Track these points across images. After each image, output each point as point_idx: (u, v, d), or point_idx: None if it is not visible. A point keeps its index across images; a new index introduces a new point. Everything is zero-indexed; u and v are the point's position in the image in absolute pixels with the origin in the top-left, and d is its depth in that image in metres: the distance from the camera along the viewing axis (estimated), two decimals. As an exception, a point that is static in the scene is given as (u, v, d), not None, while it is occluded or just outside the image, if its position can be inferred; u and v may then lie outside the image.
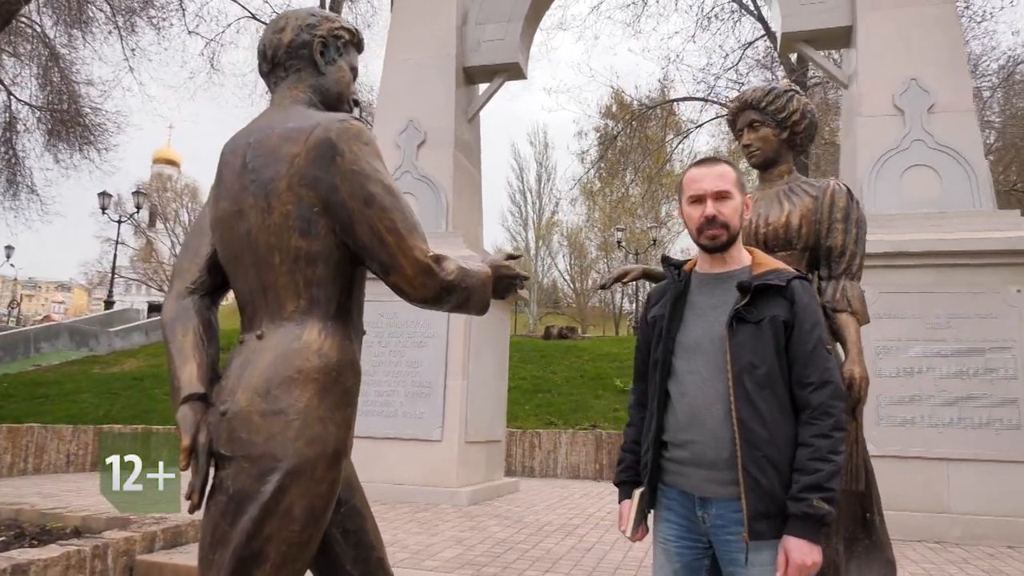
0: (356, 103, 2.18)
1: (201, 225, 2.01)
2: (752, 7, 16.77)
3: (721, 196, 2.00)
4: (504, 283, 2.00)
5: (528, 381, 14.51)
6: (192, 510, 1.75)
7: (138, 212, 31.12)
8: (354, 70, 2.13)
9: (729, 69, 17.76)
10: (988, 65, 18.41)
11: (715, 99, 18.35)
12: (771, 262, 2.05)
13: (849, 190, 3.13)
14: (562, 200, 40.07)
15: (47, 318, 38.59)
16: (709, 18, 17.50)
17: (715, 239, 2.00)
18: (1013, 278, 6.41)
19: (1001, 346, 6.31)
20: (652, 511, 2.09)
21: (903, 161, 7.09)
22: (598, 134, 23.35)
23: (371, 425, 7.47)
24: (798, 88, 3.35)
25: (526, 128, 56.64)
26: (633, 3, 18.74)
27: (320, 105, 2.00)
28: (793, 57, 15.79)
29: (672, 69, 41.02)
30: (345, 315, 1.85)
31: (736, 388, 1.87)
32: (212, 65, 20.30)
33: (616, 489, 2.18)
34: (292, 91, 1.99)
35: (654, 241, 31.13)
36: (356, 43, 2.13)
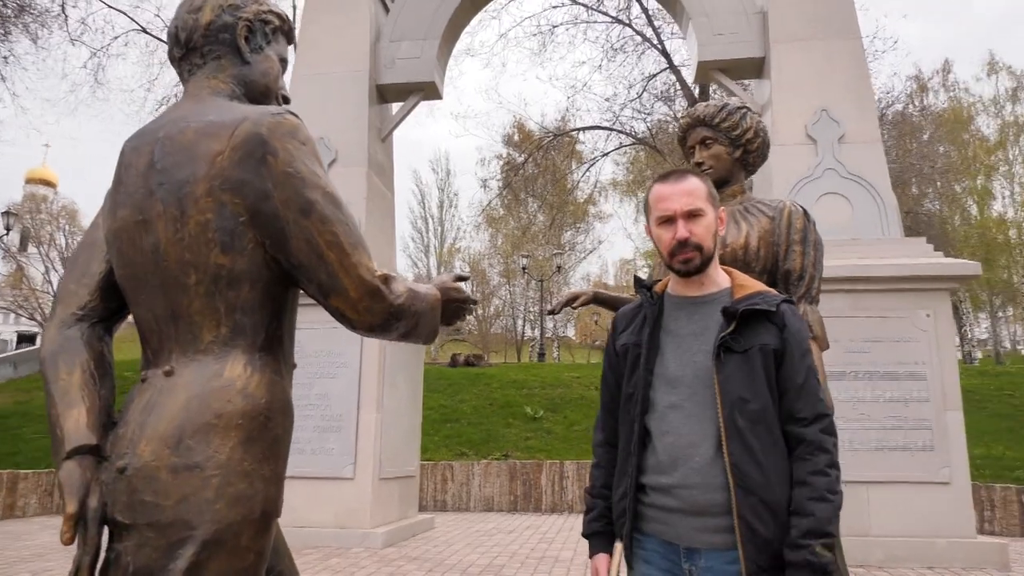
0: (286, 100, 1.86)
1: (92, 238, 1.68)
2: (656, 41, 17.26)
3: (692, 215, 1.80)
4: (453, 308, 1.76)
5: (436, 411, 14.07)
6: None
7: (7, 234, 28.71)
8: (284, 61, 1.86)
9: (633, 100, 18.19)
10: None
11: (620, 128, 18.73)
12: (753, 284, 1.85)
13: (806, 211, 3.02)
14: (467, 227, 40.11)
15: (-103, 350, 34.90)
16: (615, 50, 17.88)
17: (688, 262, 1.80)
18: (923, 303, 6.62)
19: (913, 370, 6.48)
20: (625, 564, 1.83)
21: (816, 189, 7.26)
22: (501, 162, 23.45)
23: (276, 463, 6.88)
24: (750, 106, 3.24)
25: (428, 155, 56.19)
26: (540, 32, 18.94)
27: (244, 99, 1.72)
28: (695, 90, 16.32)
29: (579, 98, 42.01)
30: (275, 346, 1.55)
31: (727, 426, 1.67)
32: (96, 79, 19.03)
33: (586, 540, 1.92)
34: (210, 81, 1.68)
35: (558, 268, 31.44)
36: (286, 31, 1.86)
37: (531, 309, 39.43)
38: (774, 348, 1.71)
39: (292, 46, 1.95)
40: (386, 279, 1.54)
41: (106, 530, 1.41)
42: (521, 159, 21.01)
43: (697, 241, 1.79)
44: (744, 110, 3.11)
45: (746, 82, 9.32)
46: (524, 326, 41.53)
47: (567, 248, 35.72)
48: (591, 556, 1.88)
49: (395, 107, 9.16)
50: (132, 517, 1.36)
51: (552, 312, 3.38)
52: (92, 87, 20.15)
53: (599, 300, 3.36)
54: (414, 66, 8.64)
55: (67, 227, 41.13)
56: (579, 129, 19.28)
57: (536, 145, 19.72)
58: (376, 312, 1.52)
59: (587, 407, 14.44)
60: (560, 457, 11.62)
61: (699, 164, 3.12)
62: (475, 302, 1.90)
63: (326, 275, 1.47)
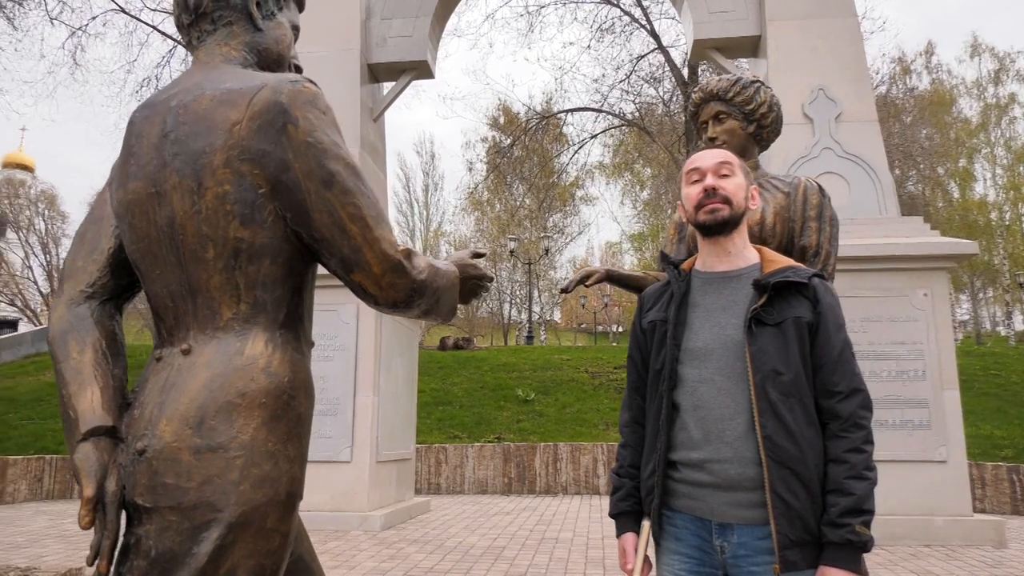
0: (298, 68, 1.79)
1: (100, 213, 1.60)
2: (645, 21, 17.13)
3: (722, 172, 1.81)
4: (471, 285, 1.71)
5: (428, 394, 14.04)
6: None
7: (-15, 219, 28.26)
8: (296, 29, 1.79)
9: (622, 81, 18.08)
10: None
11: (608, 110, 18.63)
12: (782, 259, 1.82)
13: (821, 187, 2.98)
14: (452, 210, 39.91)
15: None
16: (603, 30, 17.75)
17: (715, 212, 1.78)
18: (919, 282, 6.63)
19: (911, 349, 6.51)
20: (653, 542, 1.80)
21: (813, 168, 7.24)
22: (486, 145, 23.28)
23: (273, 447, 6.82)
24: (762, 80, 3.20)
25: (411, 137, 55.60)
26: (528, 12, 18.76)
27: (256, 67, 1.65)
28: (684, 72, 16.24)
29: (567, 79, 41.69)
30: (296, 324, 1.50)
31: (759, 398, 1.64)
32: (75, 59, 18.65)
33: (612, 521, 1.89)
34: (222, 48, 1.61)
35: (546, 251, 31.43)
36: None
37: (518, 292, 39.38)
38: (808, 321, 1.69)
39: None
40: (408, 254, 1.49)
41: (123, 515, 1.36)
42: (507, 142, 20.86)
43: (725, 194, 1.78)
44: (758, 84, 3.06)
45: (741, 62, 9.27)
46: (511, 309, 41.50)
47: (553, 231, 35.70)
48: (619, 536, 1.85)
49: (386, 87, 9.03)
50: (153, 500, 1.31)
51: (565, 291, 3.32)
52: (71, 68, 19.64)
53: (612, 278, 3.31)
54: (406, 45, 8.51)
55: (46, 212, 40.58)
56: (567, 111, 19.19)
57: (523, 127, 19.57)
58: (399, 288, 1.47)
59: (579, 390, 14.46)
60: (553, 439, 11.63)
61: (712, 139, 3.06)
62: (491, 279, 1.86)
63: (349, 249, 1.42)
